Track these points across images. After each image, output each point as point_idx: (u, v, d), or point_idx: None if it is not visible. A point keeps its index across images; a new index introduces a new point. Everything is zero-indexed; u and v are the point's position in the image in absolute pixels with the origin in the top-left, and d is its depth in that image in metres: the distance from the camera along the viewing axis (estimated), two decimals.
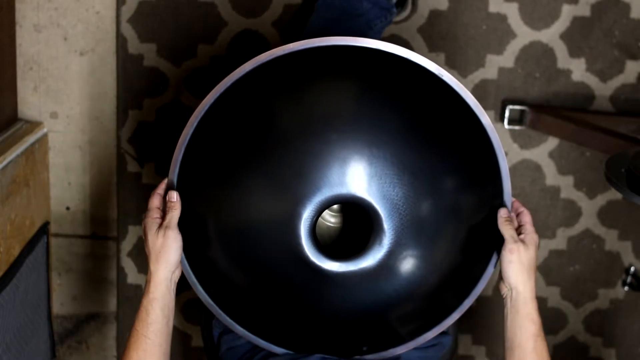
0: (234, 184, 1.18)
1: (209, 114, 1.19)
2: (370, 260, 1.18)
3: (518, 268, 1.18)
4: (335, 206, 1.33)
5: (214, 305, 1.24)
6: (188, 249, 1.21)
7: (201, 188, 1.21)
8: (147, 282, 1.19)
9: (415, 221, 1.17)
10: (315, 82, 1.20)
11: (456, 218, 1.20)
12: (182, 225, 1.20)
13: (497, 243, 1.21)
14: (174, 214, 1.19)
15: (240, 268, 1.21)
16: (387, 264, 1.18)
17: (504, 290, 1.20)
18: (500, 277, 1.21)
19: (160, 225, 1.18)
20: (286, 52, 1.17)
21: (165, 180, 1.22)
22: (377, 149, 1.15)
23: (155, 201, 1.21)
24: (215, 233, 1.21)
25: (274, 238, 1.18)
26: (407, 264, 1.19)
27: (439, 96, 1.19)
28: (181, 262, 1.22)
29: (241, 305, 1.24)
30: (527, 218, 1.22)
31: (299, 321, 1.24)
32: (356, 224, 1.30)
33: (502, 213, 1.20)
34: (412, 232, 1.17)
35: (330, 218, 1.35)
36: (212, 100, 1.18)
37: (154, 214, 1.20)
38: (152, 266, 1.18)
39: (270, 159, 1.17)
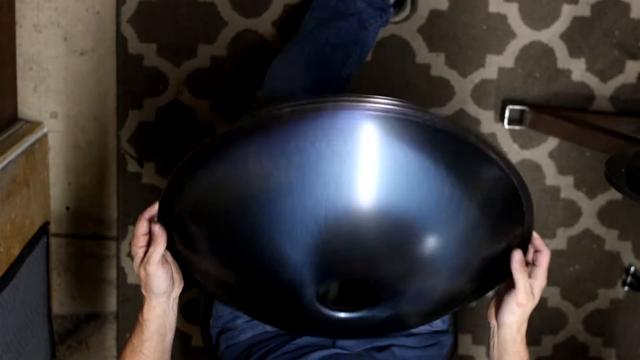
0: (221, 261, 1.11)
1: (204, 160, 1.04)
2: (372, 314, 1.16)
3: (519, 318, 1.11)
4: None
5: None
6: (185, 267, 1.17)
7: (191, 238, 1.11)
8: (142, 302, 1.14)
9: (416, 292, 1.12)
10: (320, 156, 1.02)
11: (466, 269, 1.12)
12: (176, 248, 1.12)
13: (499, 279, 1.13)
14: (156, 250, 1.09)
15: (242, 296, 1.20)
16: (389, 319, 1.17)
17: (493, 322, 1.14)
18: (494, 307, 1.14)
19: (142, 258, 1.11)
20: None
21: (155, 205, 1.11)
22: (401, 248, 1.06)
23: (141, 228, 1.11)
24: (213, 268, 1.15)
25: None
26: (407, 320, 1.18)
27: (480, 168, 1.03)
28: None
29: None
30: (544, 261, 1.10)
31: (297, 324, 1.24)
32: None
33: (517, 257, 1.07)
34: (411, 299, 1.13)
35: None
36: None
37: (138, 243, 1.11)
38: (143, 291, 1.13)
39: (261, 254, 1.07)
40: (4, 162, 1.68)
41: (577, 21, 1.95)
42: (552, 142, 2.01)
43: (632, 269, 2.09)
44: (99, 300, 2.08)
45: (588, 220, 2.07)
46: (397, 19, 1.90)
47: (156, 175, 1.99)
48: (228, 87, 1.95)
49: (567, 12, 1.94)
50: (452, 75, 1.96)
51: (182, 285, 1.16)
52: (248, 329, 1.33)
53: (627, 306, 2.14)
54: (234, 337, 1.34)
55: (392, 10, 1.74)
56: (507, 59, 1.96)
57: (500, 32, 1.95)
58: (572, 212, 2.06)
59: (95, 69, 1.93)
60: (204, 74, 1.93)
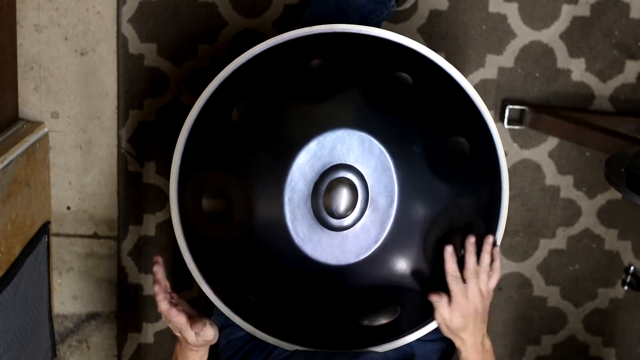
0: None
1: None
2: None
3: (459, 325, 1.18)
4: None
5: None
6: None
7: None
8: (176, 348, 1.27)
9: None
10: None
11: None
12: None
13: None
14: (190, 331, 1.22)
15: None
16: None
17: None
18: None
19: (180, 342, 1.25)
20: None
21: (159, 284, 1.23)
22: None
23: (163, 308, 1.22)
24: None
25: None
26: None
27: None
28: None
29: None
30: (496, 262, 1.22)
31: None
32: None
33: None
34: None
35: None
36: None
37: (173, 325, 1.24)
38: (180, 344, 1.27)
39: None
40: (5, 162, 1.68)
41: (577, 21, 1.95)
42: (552, 142, 2.01)
43: (632, 268, 2.09)
44: (100, 299, 2.08)
45: (588, 220, 2.07)
46: (400, 9, 1.88)
47: (156, 175, 1.99)
48: None
49: (567, 12, 1.94)
50: None
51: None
52: None
53: (626, 306, 2.14)
54: (234, 333, 1.34)
55: (393, 3, 1.72)
56: (506, 58, 1.96)
57: (500, 32, 1.95)
58: (572, 212, 2.06)
59: (96, 69, 1.93)
60: (204, 74, 1.93)
